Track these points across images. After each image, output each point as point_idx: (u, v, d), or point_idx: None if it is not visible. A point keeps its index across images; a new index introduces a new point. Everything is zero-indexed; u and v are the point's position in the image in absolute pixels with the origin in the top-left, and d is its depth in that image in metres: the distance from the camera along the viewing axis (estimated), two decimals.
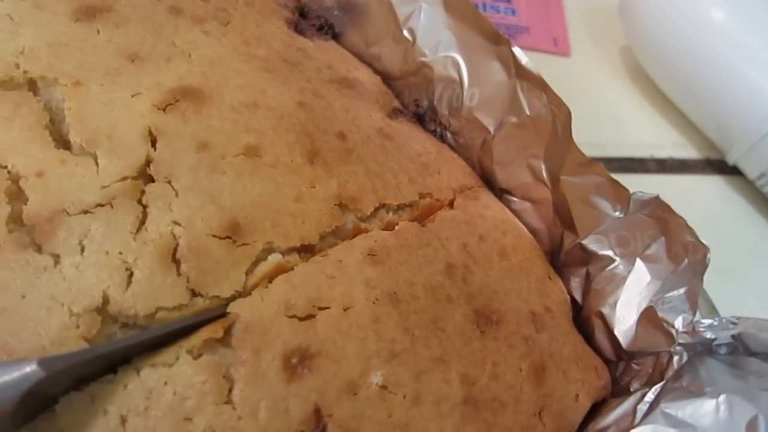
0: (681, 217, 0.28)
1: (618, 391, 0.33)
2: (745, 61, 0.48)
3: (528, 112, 0.33)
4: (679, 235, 0.29)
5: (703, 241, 0.27)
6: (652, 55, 0.54)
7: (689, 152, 0.54)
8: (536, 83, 0.32)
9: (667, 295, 0.28)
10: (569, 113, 0.31)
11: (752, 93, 0.47)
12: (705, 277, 0.46)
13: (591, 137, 0.51)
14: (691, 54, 0.50)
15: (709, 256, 0.27)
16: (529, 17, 0.60)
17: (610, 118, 0.55)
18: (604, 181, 0.30)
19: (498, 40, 0.34)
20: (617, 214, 0.31)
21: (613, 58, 0.59)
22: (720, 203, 0.51)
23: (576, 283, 0.34)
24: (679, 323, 0.27)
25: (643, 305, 0.29)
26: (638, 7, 0.53)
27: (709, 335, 0.27)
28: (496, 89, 0.35)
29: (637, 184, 0.51)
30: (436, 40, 0.38)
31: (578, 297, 0.34)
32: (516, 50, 0.33)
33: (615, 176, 0.50)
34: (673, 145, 0.54)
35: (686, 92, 0.53)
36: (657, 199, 0.29)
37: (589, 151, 0.50)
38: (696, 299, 0.27)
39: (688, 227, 0.28)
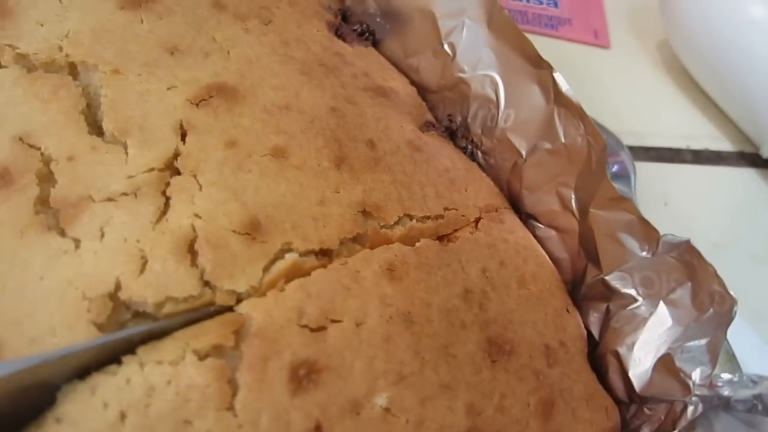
0: (710, 265, 0.27)
1: None
2: None
3: (563, 140, 0.33)
4: (707, 283, 0.28)
5: (732, 293, 0.26)
6: (690, 50, 0.55)
7: (724, 145, 0.55)
8: (575, 112, 0.32)
9: (688, 344, 0.27)
10: (605, 145, 0.30)
11: None
12: (737, 265, 0.46)
13: (629, 126, 0.53)
14: (729, 49, 0.51)
15: (735, 308, 0.26)
16: (571, 9, 0.61)
17: (648, 109, 0.56)
18: (634, 219, 0.30)
19: (540, 64, 0.33)
20: (644, 254, 0.30)
21: (651, 51, 0.60)
22: (753, 195, 0.52)
23: (595, 318, 0.33)
24: (696, 375, 0.26)
25: (662, 350, 0.28)
26: (679, 3, 0.54)
27: (726, 392, 0.26)
28: (533, 113, 0.34)
29: (672, 173, 0.52)
30: (476, 58, 0.37)
31: (595, 333, 0.33)
32: (557, 76, 0.32)
33: (651, 165, 0.52)
34: (708, 137, 0.55)
35: (723, 86, 0.53)
36: (688, 243, 0.28)
37: (628, 140, 0.51)
38: (717, 352, 0.26)
39: (717, 276, 0.27)
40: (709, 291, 0.28)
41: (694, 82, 0.56)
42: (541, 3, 0.60)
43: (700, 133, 0.55)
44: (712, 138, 0.55)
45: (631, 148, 0.51)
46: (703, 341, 0.27)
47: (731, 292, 0.27)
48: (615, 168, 0.49)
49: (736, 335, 0.37)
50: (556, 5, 0.60)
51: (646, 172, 0.50)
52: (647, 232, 0.29)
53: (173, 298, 0.26)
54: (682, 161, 0.53)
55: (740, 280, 0.46)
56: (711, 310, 0.27)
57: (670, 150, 0.53)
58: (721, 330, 0.26)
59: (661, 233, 0.44)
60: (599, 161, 0.30)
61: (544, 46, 0.58)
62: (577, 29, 0.59)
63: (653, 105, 0.56)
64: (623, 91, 0.56)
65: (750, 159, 0.54)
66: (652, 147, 0.53)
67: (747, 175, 0.53)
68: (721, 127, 0.55)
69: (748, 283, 0.47)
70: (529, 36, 0.59)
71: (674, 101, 0.56)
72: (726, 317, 0.26)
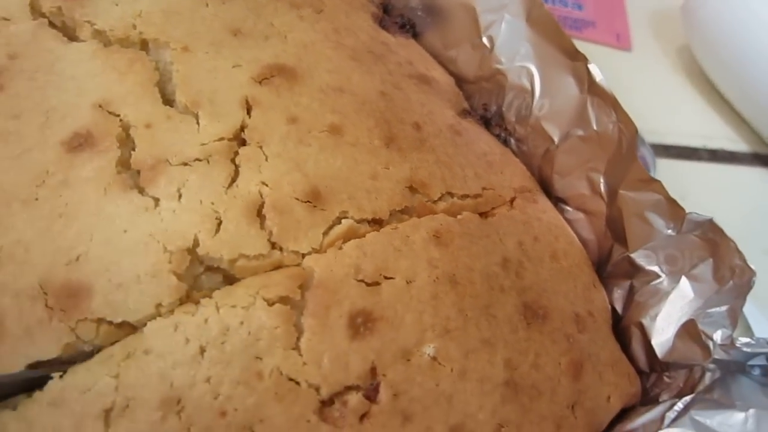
0: (732, 240, 0.30)
1: (647, 401, 0.34)
2: None
3: (595, 127, 0.35)
4: (728, 258, 0.30)
5: (752, 266, 0.29)
6: (710, 54, 0.58)
7: (739, 145, 0.58)
8: (607, 100, 0.34)
9: (709, 310, 0.29)
10: (636, 131, 0.33)
11: None
12: (750, 258, 0.48)
13: (649, 125, 0.55)
14: (747, 55, 0.53)
15: (754, 279, 0.29)
16: (595, 12, 0.64)
17: (667, 109, 0.59)
18: (661, 199, 0.32)
19: (575, 57, 0.36)
20: (669, 231, 0.32)
21: (671, 55, 0.63)
22: (766, 193, 0.55)
23: (619, 295, 0.36)
24: (718, 336, 0.29)
25: (684, 319, 0.31)
26: (700, 10, 0.57)
27: (745, 350, 0.28)
28: (567, 102, 0.37)
29: (690, 170, 0.55)
30: (514, 50, 0.40)
31: (619, 308, 0.36)
32: (592, 67, 0.35)
33: (670, 162, 0.55)
34: (724, 137, 0.58)
35: (741, 90, 0.56)
36: (711, 221, 0.31)
37: (648, 138, 0.54)
38: (737, 317, 0.29)
39: (738, 251, 0.30)
40: (730, 265, 0.30)
41: (712, 85, 0.58)
42: (567, 6, 0.63)
43: (717, 133, 0.57)
44: (728, 139, 0.57)
45: (651, 146, 0.54)
46: (724, 308, 0.29)
47: (751, 265, 0.29)
48: (643, 162, 0.51)
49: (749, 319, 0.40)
50: (580, 8, 0.63)
51: (664, 168, 0.53)
52: (674, 211, 0.32)
53: (245, 256, 0.29)
54: (699, 159, 0.55)
55: (756, 273, 0.49)
56: (731, 282, 0.30)
57: (687, 148, 0.56)
58: (741, 298, 0.29)
59: None
60: (630, 146, 0.33)
61: None
62: (600, 32, 0.62)
63: (672, 106, 0.58)
64: (644, 92, 0.58)
65: (764, 160, 0.56)
66: (671, 145, 0.55)
67: (760, 174, 0.55)
68: (737, 129, 0.58)
69: (760, 275, 0.49)
70: None
71: (693, 103, 0.59)
72: (746, 287, 0.29)
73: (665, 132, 0.56)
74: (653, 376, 0.34)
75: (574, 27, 0.61)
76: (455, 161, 0.36)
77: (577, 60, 0.36)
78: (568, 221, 0.39)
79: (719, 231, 0.31)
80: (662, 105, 0.58)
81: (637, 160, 0.32)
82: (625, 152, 0.33)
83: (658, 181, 0.32)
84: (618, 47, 0.62)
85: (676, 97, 0.59)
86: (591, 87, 0.35)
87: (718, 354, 0.29)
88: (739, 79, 0.55)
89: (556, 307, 0.33)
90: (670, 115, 0.57)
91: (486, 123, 0.43)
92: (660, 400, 0.33)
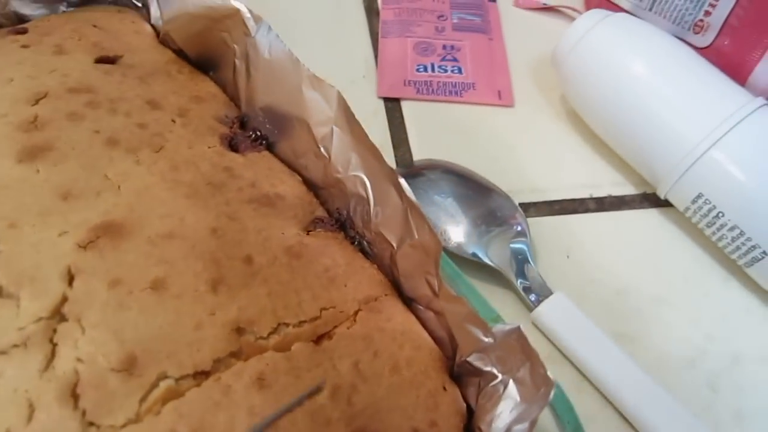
0: (535, 352, 0.31)
1: None
2: (663, 108, 0.52)
3: (416, 236, 0.36)
4: (537, 366, 0.31)
5: (551, 376, 0.29)
6: (584, 103, 0.58)
7: (627, 189, 0.58)
8: (419, 213, 0.35)
9: (516, 427, 0.30)
10: (440, 249, 0.33)
11: (670, 135, 0.51)
12: (639, 307, 0.50)
13: (531, 183, 0.55)
14: (616, 102, 0.54)
15: (554, 391, 0.29)
16: (474, 74, 0.64)
17: (551, 163, 0.59)
18: (470, 312, 0.33)
19: (390, 170, 0.37)
20: (488, 340, 0.33)
21: (554, 106, 0.63)
22: (655, 234, 0.55)
23: (471, 392, 0.36)
24: None
25: (506, 428, 0.31)
26: (567, 62, 0.58)
27: None
28: (394, 211, 0.38)
29: (577, 223, 0.55)
30: (347, 160, 0.41)
31: (473, 404, 0.36)
32: (401, 181, 0.36)
33: (556, 218, 0.55)
34: (611, 183, 0.58)
35: (617, 135, 0.56)
36: (518, 330, 0.31)
37: (530, 197, 0.55)
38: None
39: (541, 362, 0.30)
40: (539, 372, 0.31)
41: (593, 132, 0.59)
42: (446, 71, 0.64)
43: (603, 180, 0.58)
44: (614, 184, 0.57)
45: (536, 204, 0.54)
46: (527, 423, 0.29)
47: (551, 375, 0.29)
48: (519, 228, 0.52)
49: None
50: (460, 72, 0.64)
51: (550, 225, 0.53)
52: (482, 323, 0.33)
53: None
54: (587, 211, 0.56)
55: (643, 323, 0.49)
56: (542, 389, 0.30)
57: (573, 201, 0.56)
58: (541, 409, 0.29)
59: (555, 290, 0.47)
60: (437, 261, 0.34)
61: (451, 113, 0.62)
62: (481, 93, 0.63)
63: (556, 159, 0.59)
64: (527, 148, 0.59)
65: (652, 200, 0.56)
66: (556, 200, 0.56)
67: (649, 215, 0.56)
68: (623, 173, 0.58)
69: (650, 324, 0.49)
70: (436, 104, 0.63)
71: (576, 153, 0.59)
72: (546, 398, 0.29)
73: (550, 188, 0.56)
74: None
75: (455, 92, 0.62)
76: (290, 288, 0.37)
77: (392, 172, 0.37)
78: (422, 320, 0.39)
79: (525, 339, 0.31)
80: (546, 160, 0.58)
81: (441, 278, 0.33)
82: (439, 265, 0.34)
83: (461, 298, 0.33)
84: (501, 105, 0.62)
85: (559, 149, 0.59)
86: (405, 198, 0.36)
87: None
88: (612, 126, 0.55)
89: (390, 427, 0.33)
90: (554, 170, 0.58)
91: (342, 226, 0.44)
92: None
